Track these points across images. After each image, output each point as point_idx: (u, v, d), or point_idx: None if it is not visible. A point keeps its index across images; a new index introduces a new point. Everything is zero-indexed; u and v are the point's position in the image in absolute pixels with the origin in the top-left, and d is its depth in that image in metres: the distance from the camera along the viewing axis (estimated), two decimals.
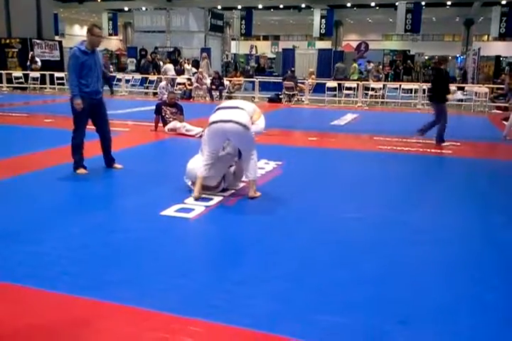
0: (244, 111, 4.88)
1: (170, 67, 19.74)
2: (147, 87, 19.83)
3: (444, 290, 3.09)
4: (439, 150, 8.12)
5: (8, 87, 20.43)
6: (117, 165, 6.23)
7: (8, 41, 21.45)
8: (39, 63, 20.50)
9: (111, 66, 21.22)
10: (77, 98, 5.68)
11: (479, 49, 21.56)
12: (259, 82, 18.45)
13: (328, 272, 3.31)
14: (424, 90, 16.55)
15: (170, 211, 4.53)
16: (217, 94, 17.24)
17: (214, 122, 4.83)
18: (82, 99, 5.68)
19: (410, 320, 2.70)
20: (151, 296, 2.89)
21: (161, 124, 9.50)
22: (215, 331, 2.57)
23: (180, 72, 20.18)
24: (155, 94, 16.69)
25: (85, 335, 2.49)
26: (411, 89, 17.41)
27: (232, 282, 3.13)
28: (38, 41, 21.72)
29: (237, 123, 4.73)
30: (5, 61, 21.45)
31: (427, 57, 32.09)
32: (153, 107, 9.74)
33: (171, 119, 9.37)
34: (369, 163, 7.08)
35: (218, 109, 5.03)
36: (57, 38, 25.31)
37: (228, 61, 28.89)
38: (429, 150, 8.16)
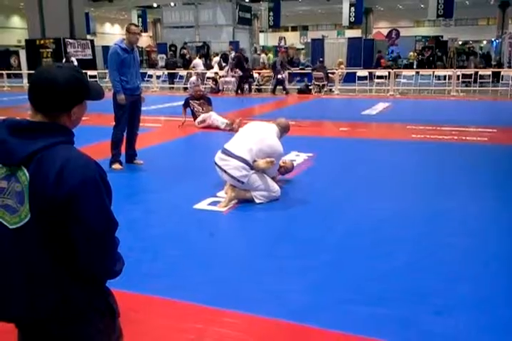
0: (243, 165, 4.52)
1: (199, 62, 19.84)
2: (173, 82, 19.98)
3: (479, 280, 3.04)
4: (474, 138, 7.94)
5: None
6: (138, 161, 6.32)
7: (42, 42, 21.96)
8: (75, 62, 20.92)
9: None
10: (120, 93, 5.86)
11: None
12: (289, 73, 18.32)
13: (363, 263, 3.30)
14: (458, 76, 16.15)
15: (203, 204, 4.58)
16: (247, 87, 17.26)
17: (215, 163, 4.72)
18: (125, 95, 5.86)
19: (445, 311, 2.67)
20: (185, 288, 2.95)
21: (191, 119, 9.58)
22: (248, 322, 2.61)
23: (209, 66, 20.29)
24: (185, 88, 16.80)
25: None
26: (444, 76, 17.00)
27: (266, 274, 3.15)
28: (70, 41, 22.13)
29: (231, 177, 4.55)
30: (40, 61, 21.96)
31: (460, 43, 31.24)
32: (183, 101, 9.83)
33: (199, 113, 9.43)
34: (402, 153, 6.99)
35: (235, 136, 4.88)
36: (88, 36, 25.70)
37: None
38: (463, 137, 7.98)
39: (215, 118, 9.10)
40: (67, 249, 1.42)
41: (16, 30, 36.14)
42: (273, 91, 17.03)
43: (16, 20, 37.60)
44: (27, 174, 1.38)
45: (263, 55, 22.26)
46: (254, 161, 4.59)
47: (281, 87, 16.94)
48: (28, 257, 1.42)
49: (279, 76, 16.65)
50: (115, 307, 1.56)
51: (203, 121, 9.28)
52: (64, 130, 1.47)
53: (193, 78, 14.84)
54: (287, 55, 17.73)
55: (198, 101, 9.53)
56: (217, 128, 9.04)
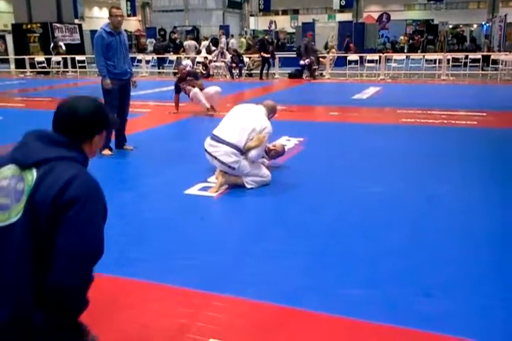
0: (233, 150, 4.46)
1: (192, 43, 19.69)
2: (163, 67, 19.83)
3: (469, 262, 3.07)
4: (463, 122, 7.96)
5: (31, 71, 20.68)
6: (128, 147, 6.27)
7: (29, 26, 21.60)
8: (63, 47, 20.62)
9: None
10: (105, 78, 5.80)
11: (505, 15, 20.80)
12: (280, 57, 18.23)
13: (352, 246, 3.32)
14: (448, 60, 16.13)
15: (194, 190, 4.57)
16: (237, 71, 17.15)
17: (205, 149, 4.66)
18: (112, 80, 5.77)
19: (435, 293, 2.69)
20: (176, 273, 2.95)
21: (182, 104, 9.47)
22: (240, 306, 2.62)
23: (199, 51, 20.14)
24: (175, 74, 16.65)
25: (110, 311, 2.56)
26: (435, 60, 16.96)
27: (257, 257, 3.16)
28: (58, 25, 21.80)
29: (222, 163, 4.51)
30: (27, 46, 21.66)
31: (451, 26, 31.14)
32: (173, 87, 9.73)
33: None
34: (392, 137, 7.00)
35: (223, 122, 4.79)
36: (76, 21, 25.31)
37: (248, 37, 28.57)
38: (453, 121, 8.01)
39: (198, 97, 8.96)
40: (44, 263, 1.42)
41: (2, 15, 35.47)
42: (302, 75, 16.66)
43: (2, 4, 36.87)
44: (34, 175, 1.42)
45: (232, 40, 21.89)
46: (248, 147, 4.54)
47: (307, 74, 16.56)
48: (4, 259, 1.42)
49: (302, 62, 16.39)
50: (83, 328, 1.62)
51: (192, 99, 9.18)
52: (83, 154, 1.60)
53: (188, 61, 14.72)
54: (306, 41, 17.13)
55: (186, 82, 9.35)
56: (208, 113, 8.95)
